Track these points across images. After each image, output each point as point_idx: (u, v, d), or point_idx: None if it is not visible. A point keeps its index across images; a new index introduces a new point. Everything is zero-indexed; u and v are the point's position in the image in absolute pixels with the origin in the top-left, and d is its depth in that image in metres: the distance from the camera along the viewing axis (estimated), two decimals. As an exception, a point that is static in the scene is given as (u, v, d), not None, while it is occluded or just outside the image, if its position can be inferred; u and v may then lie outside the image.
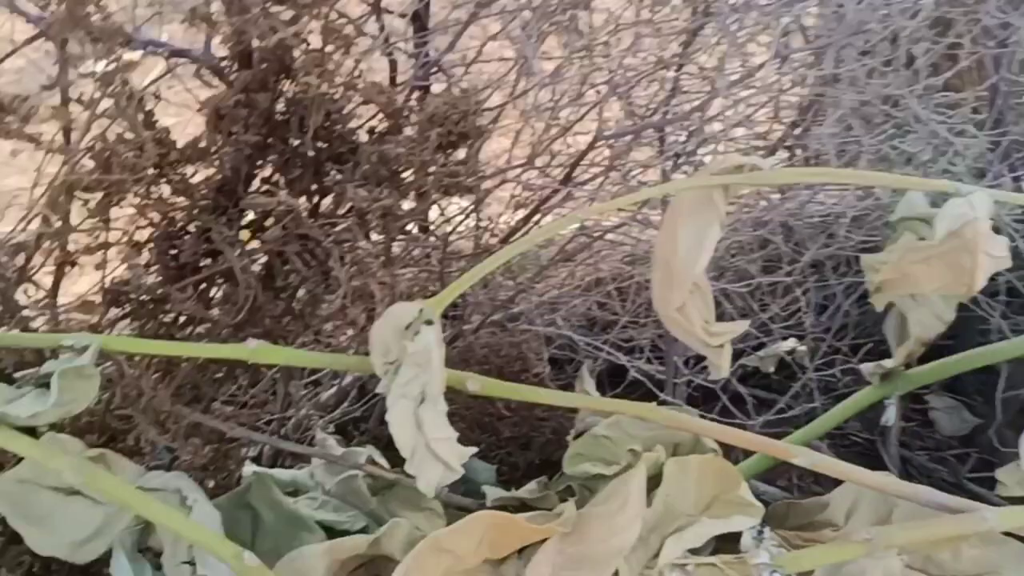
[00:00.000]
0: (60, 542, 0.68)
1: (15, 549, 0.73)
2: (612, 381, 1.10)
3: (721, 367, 0.69)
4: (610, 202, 0.76)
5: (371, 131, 0.78)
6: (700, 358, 1.09)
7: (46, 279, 0.81)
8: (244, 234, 0.80)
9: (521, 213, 0.94)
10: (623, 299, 0.99)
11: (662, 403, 1.00)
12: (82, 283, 0.84)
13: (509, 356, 0.93)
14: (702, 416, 0.91)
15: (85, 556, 0.69)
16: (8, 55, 0.96)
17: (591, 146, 0.84)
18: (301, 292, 0.81)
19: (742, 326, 0.72)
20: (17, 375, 0.76)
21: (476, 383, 0.71)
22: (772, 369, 1.15)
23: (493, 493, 0.86)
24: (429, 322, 0.63)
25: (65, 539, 0.68)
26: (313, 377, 1.06)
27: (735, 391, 1.02)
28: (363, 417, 1.04)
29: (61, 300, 0.82)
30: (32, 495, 0.68)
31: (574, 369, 1.09)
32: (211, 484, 0.81)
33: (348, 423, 1.04)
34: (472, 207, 0.90)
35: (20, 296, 0.77)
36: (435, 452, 0.65)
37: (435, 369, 0.64)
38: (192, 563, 0.67)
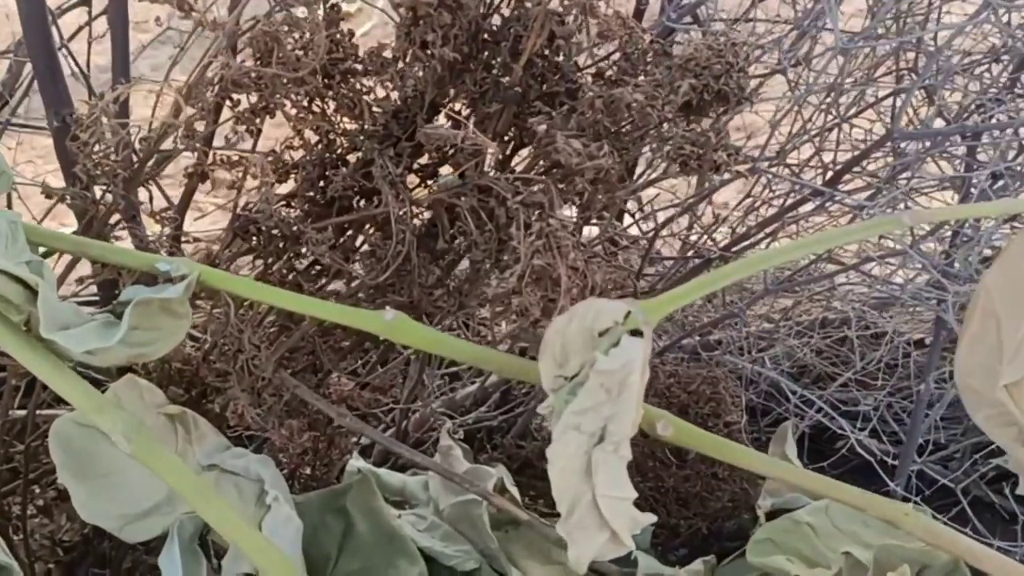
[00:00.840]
0: (110, 511, 0.54)
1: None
2: (813, 449, 0.89)
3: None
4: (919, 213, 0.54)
5: (599, 74, 0.60)
6: (941, 444, 0.86)
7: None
8: (412, 180, 0.64)
9: (751, 218, 0.74)
10: (853, 350, 0.77)
11: (885, 494, 0.78)
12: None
13: (699, 394, 0.73)
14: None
15: (135, 534, 0.55)
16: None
17: (880, 143, 0.64)
18: (464, 261, 0.65)
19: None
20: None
21: (668, 427, 0.52)
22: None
23: (647, 564, 0.68)
24: (637, 332, 0.44)
25: (117, 508, 0.54)
26: (453, 368, 0.90)
27: (979, 496, 0.79)
28: (499, 428, 0.87)
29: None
30: (91, 445, 0.54)
31: (769, 424, 0.88)
32: (307, 471, 0.65)
33: (480, 431, 0.88)
34: (695, 197, 0.71)
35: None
36: (602, 513, 0.47)
37: (630, 400, 0.45)
38: (256, 577, 0.51)
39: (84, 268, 0.74)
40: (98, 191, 0.62)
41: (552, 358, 0.49)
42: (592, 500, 0.46)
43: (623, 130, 0.58)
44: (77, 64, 0.75)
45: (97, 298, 0.80)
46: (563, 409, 0.46)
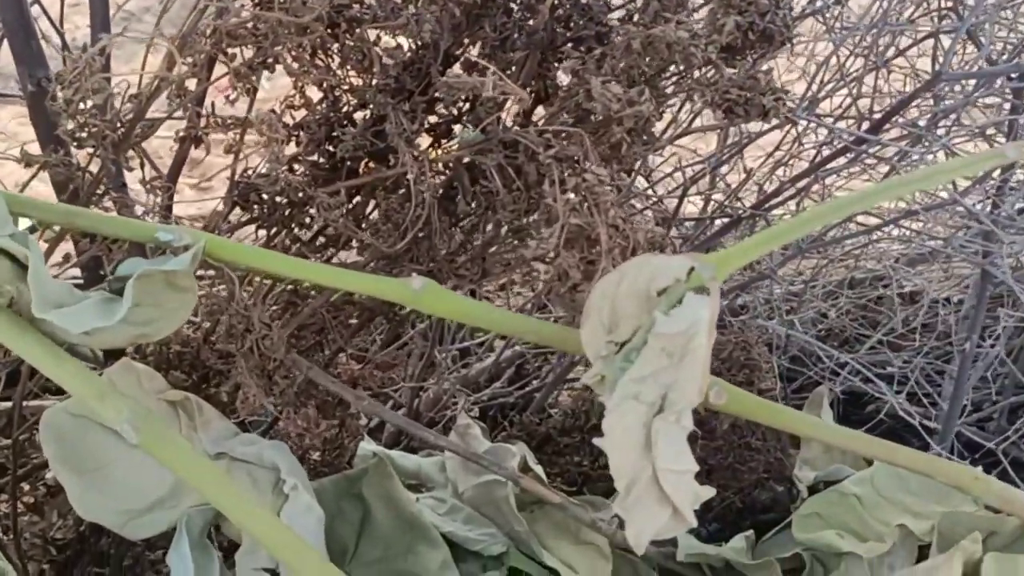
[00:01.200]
0: (111, 506, 0.50)
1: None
2: (839, 414, 0.85)
3: None
4: (956, 161, 0.49)
5: (627, 17, 0.56)
6: (978, 405, 0.83)
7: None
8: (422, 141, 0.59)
9: (780, 173, 0.69)
10: (893, 309, 0.73)
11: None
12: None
13: (733, 360, 0.69)
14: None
15: (139, 531, 0.50)
16: None
17: (928, 86, 0.59)
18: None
19: None
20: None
21: (722, 394, 0.48)
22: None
23: (687, 544, 0.65)
24: (702, 290, 0.40)
25: (118, 503, 0.50)
26: (464, 343, 0.85)
27: (1017, 456, 0.76)
28: (516, 404, 0.83)
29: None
30: (87, 436, 0.49)
31: (795, 389, 0.85)
32: (316, 456, 0.61)
33: (494, 408, 0.83)
34: (724, 153, 0.66)
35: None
36: (663, 489, 0.43)
37: (695, 365, 0.41)
38: (275, 573, 0.47)
39: (62, 251, 0.68)
40: (82, 158, 0.56)
41: (599, 322, 0.44)
42: (652, 475, 0.42)
43: (658, 75, 0.54)
44: (50, 19, 0.69)
45: (81, 281, 0.74)
46: (618, 377, 0.42)
